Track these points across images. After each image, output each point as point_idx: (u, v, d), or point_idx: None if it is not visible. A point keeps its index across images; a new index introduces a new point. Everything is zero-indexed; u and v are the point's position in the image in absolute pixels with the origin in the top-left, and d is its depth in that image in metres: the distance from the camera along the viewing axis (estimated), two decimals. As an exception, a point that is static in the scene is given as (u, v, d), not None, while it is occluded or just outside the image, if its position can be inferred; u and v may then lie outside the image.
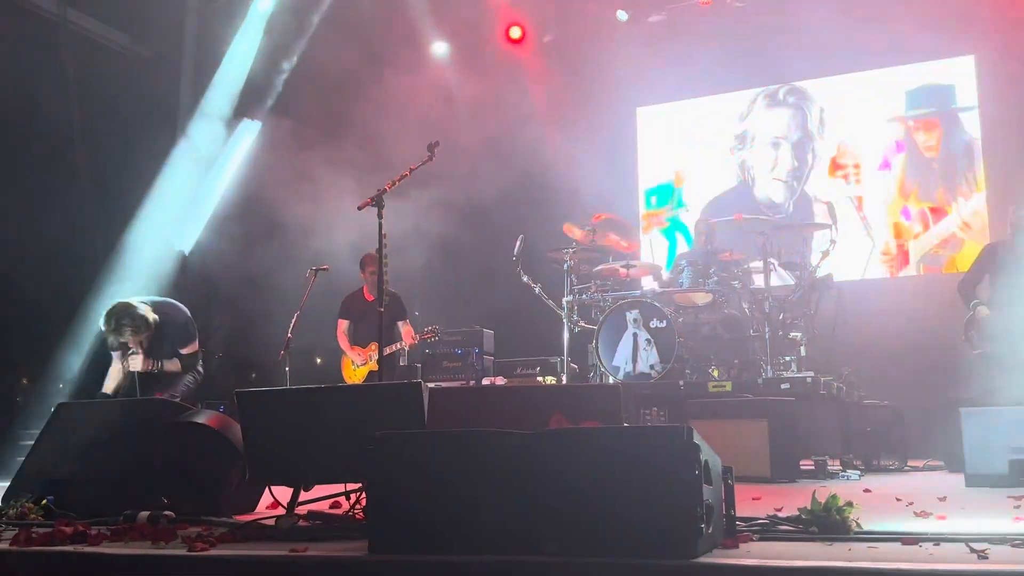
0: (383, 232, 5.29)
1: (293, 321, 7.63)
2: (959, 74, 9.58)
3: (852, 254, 9.66)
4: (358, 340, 7.90)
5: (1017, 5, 8.85)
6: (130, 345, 5.30)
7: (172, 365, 5.46)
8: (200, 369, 5.69)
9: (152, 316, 5.33)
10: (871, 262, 9.72)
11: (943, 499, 3.80)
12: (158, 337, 5.40)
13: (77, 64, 8.20)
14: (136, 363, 5.32)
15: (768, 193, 10.39)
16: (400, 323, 7.84)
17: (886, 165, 9.76)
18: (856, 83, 10.02)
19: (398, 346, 7.73)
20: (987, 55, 9.34)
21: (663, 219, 10.88)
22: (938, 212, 9.51)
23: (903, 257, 9.61)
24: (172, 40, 9.23)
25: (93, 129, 8.10)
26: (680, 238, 10.72)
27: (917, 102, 9.70)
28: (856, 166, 9.89)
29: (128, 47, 9.17)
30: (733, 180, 10.57)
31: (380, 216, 5.24)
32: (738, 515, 2.64)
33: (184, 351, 5.51)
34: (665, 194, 10.91)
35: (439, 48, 10.63)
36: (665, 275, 8.02)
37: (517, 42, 10.67)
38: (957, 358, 7.50)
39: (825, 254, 7.10)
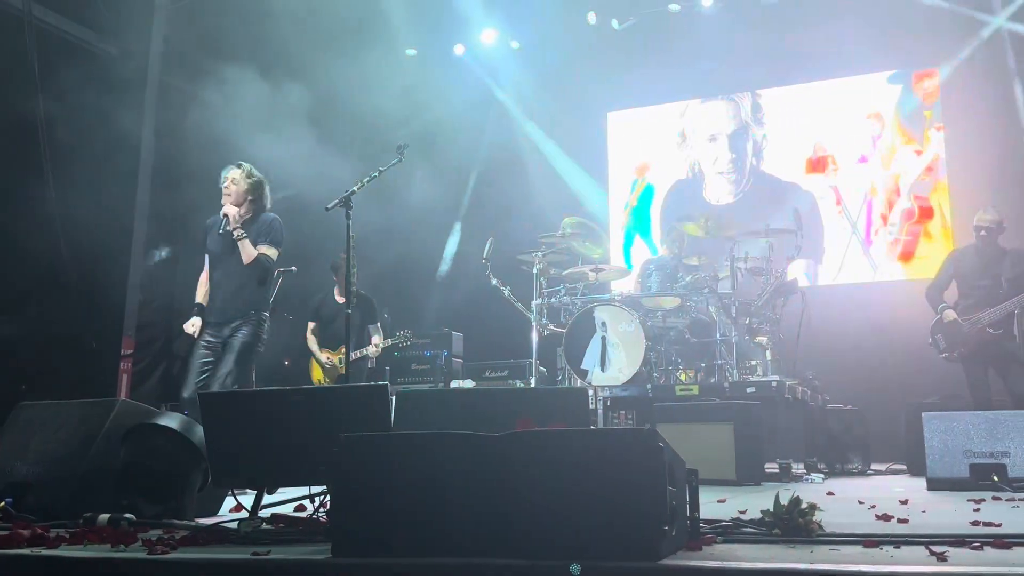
0: (351, 233, 5.26)
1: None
2: (924, 87, 9.72)
3: (831, 252, 9.82)
4: (327, 342, 7.86)
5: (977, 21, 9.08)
6: (227, 184, 5.45)
7: (248, 246, 5.42)
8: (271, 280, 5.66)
9: (256, 176, 5.55)
10: (848, 255, 9.78)
11: (905, 502, 3.85)
12: (253, 202, 5.53)
13: (42, 59, 8.08)
14: (229, 209, 5.43)
15: (716, 189, 10.54)
16: (371, 326, 7.81)
17: (864, 159, 9.87)
18: (824, 90, 10.13)
19: (367, 351, 7.70)
20: (950, 67, 9.48)
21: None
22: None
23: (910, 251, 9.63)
24: (139, 38, 9.11)
25: (58, 125, 7.97)
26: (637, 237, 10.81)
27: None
28: (833, 160, 9.98)
29: (94, 43, 9.04)
30: (686, 173, 10.71)
31: (348, 217, 5.22)
32: (702, 517, 2.66)
33: (262, 248, 5.47)
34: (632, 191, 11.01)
35: (411, 50, 10.60)
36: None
37: (489, 46, 10.67)
38: (921, 362, 7.62)
39: (791, 259, 7.18)
